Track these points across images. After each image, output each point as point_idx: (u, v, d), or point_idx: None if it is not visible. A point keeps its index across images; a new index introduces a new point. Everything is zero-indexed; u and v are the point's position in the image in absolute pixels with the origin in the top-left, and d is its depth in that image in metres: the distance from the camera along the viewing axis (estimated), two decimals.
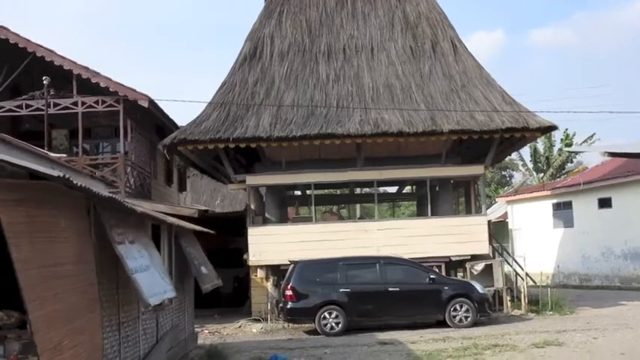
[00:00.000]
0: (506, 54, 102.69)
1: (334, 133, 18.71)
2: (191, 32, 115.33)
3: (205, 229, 13.51)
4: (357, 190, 33.16)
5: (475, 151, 21.51)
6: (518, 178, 51.30)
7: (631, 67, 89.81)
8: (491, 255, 20.08)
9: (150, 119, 22.48)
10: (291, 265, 17.27)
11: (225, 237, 22.86)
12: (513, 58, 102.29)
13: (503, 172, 54.01)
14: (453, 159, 20.99)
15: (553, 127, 19.37)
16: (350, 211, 48.84)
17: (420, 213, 24.41)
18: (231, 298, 23.91)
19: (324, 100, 19.97)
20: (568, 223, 29.10)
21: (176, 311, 11.84)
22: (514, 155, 44.42)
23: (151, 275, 8.01)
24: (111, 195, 6.82)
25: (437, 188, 21.92)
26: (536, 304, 19.26)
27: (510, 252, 24.73)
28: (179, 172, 28.17)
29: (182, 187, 29.03)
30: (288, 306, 16.65)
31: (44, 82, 18.75)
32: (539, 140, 42.93)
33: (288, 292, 16.59)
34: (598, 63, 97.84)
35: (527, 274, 20.83)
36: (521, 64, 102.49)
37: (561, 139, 43.69)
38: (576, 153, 41.30)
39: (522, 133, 19.18)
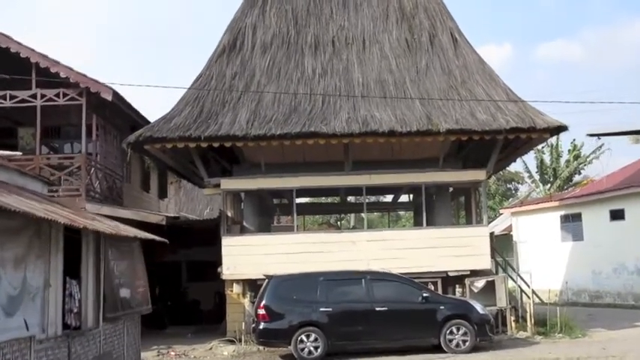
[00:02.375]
0: (513, 68, 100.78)
1: (318, 132, 16.76)
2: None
3: (157, 238, 11.46)
4: (352, 199, 31.07)
5: (477, 155, 19.55)
6: (523, 190, 49.45)
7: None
8: (493, 270, 18.34)
9: (123, 118, 20.63)
10: (266, 281, 15.28)
11: (202, 248, 21.05)
12: (521, 72, 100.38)
13: (508, 185, 52.17)
14: (452, 164, 19.04)
15: (563, 128, 17.31)
16: (350, 222, 46.86)
17: (417, 224, 22.43)
18: (213, 315, 22.13)
19: (308, 96, 18.05)
20: (577, 236, 27.20)
21: (107, 336, 9.80)
22: (520, 166, 42.83)
23: None
24: None
25: (434, 197, 19.94)
26: (544, 325, 17.44)
27: (515, 267, 23.12)
28: (159, 178, 26.29)
29: (162, 194, 27.08)
30: (261, 327, 14.62)
31: None
32: (545, 151, 41.43)
33: (261, 311, 14.59)
34: (607, 78, 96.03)
35: (533, 292, 19.11)
36: (529, 78, 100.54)
37: (569, 150, 42.08)
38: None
39: (529, 134, 17.17)
